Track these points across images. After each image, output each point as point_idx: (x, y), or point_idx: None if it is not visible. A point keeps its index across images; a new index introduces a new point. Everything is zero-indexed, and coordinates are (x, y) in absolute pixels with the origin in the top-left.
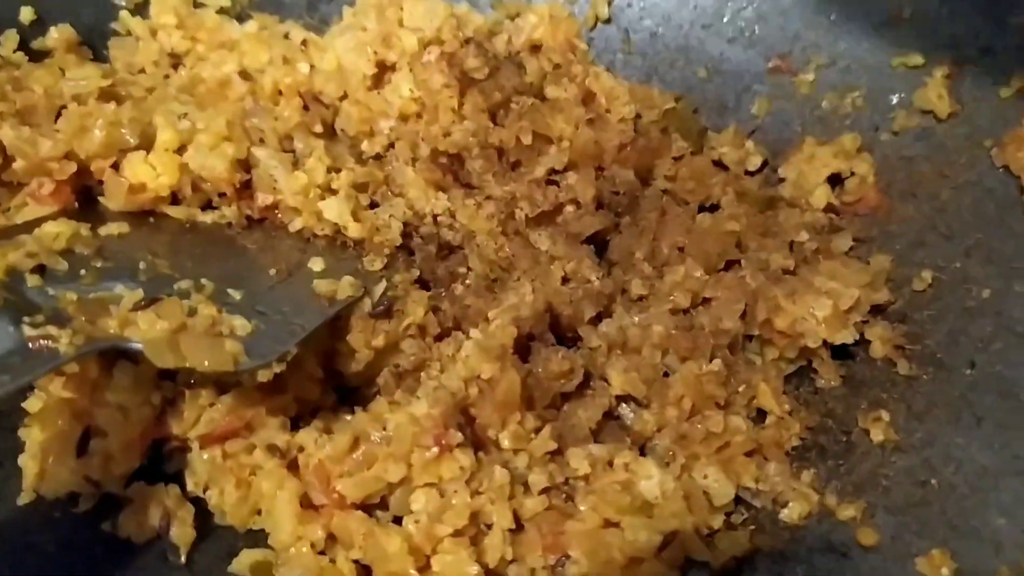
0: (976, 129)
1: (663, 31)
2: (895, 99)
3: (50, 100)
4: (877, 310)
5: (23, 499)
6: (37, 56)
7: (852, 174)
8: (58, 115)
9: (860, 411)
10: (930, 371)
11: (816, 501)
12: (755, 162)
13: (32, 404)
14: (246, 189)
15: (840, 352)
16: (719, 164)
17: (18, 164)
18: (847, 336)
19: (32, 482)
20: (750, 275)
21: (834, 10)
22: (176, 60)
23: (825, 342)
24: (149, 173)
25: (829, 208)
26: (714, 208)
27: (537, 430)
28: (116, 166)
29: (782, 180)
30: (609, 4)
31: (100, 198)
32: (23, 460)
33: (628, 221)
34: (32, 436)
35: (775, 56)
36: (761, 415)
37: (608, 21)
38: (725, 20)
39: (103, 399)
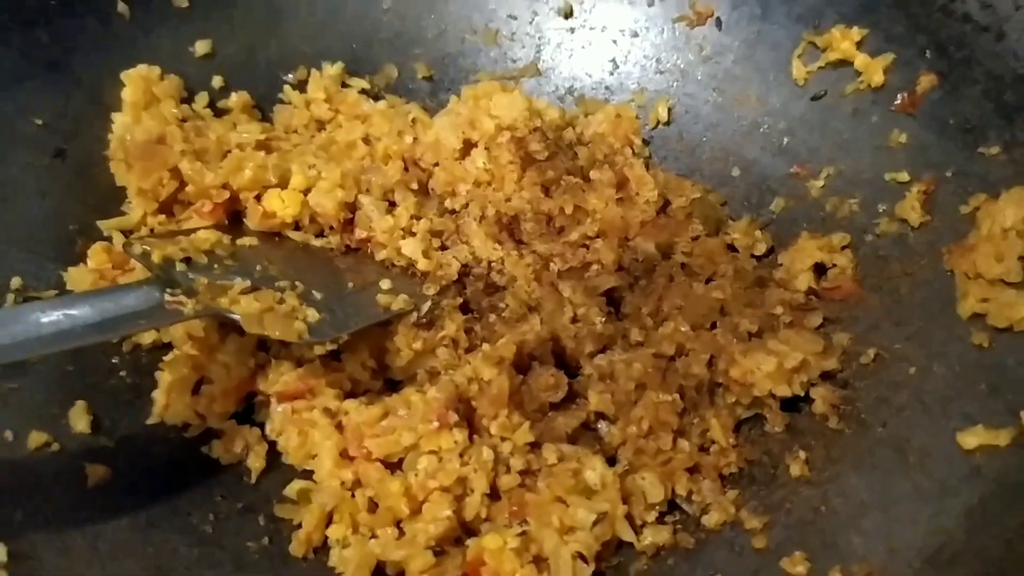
0: (938, 237)
1: (710, 135)
2: (882, 208)
3: (220, 145)
4: (828, 376)
5: (151, 420)
6: (220, 112)
7: (834, 265)
8: (224, 156)
9: (790, 452)
10: (852, 427)
11: (732, 513)
12: (761, 248)
13: (168, 357)
14: (349, 224)
15: (791, 406)
16: (733, 248)
17: (189, 188)
18: (787, 390)
19: (159, 410)
20: (721, 334)
21: (847, 131)
22: (321, 125)
23: (773, 395)
24: (280, 205)
25: (811, 291)
26: None
27: (521, 426)
28: (259, 197)
29: (780, 265)
30: (669, 111)
31: (244, 219)
32: (155, 394)
33: (644, 284)
34: (164, 378)
35: (796, 164)
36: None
37: (668, 124)
38: (761, 131)
39: (216, 358)
